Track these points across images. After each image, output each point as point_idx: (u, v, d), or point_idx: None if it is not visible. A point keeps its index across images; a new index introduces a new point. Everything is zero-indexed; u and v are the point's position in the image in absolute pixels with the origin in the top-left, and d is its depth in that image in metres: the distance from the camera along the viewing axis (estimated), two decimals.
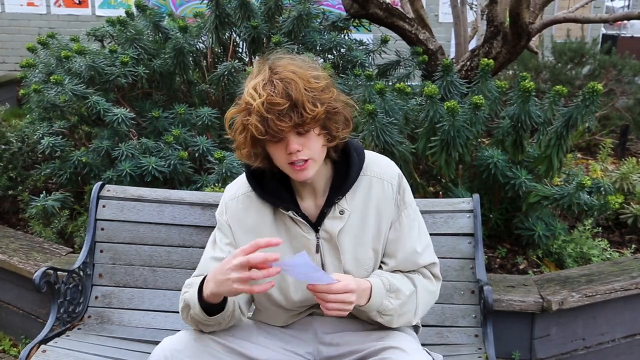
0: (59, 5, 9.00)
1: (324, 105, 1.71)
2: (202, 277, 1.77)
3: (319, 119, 1.71)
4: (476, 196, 2.51)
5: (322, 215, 1.87)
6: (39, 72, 3.75)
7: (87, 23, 7.97)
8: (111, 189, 2.69)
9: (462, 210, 2.52)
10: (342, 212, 1.87)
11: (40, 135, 3.60)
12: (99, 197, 2.65)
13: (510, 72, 5.97)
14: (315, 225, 1.87)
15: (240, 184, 1.98)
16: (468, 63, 4.36)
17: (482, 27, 5.75)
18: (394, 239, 1.92)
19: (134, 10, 4.18)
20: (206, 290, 1.72)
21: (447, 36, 8.35)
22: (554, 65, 5.82)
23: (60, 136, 3.60)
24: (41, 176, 3.70)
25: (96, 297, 2.58)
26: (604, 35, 8.89)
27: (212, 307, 1.76)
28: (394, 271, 1.93)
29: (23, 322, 3.20)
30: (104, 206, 2.64)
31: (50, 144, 3.48)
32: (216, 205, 2.55)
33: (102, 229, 2.63)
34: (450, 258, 2.47)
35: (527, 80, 2.98)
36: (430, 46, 4.48)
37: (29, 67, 3.74)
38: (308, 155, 1.74)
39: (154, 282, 2.59)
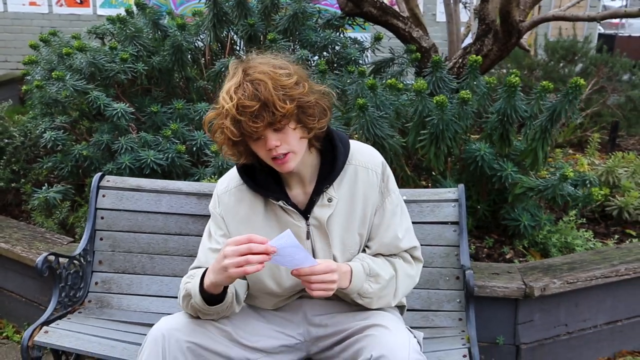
0: (61, 5, 9.09)
1: (294, 102, 1.80)
2: (204, 269, 1.88)
3: (291, 115, 1.80)
4: (461, 186, 2.61)
5: (311, 203, 1.98)
6: (41, 68, 3.85)
7: (89, 22, 8.05)
8: (111, 180, 2.79)
9: (447, 199, 2.62)
10: (330, 200, 1.98)
11: (43, 129, 3.70)
12: (99, 187, 2.76)
13: (505, 70, 6.06)
14: (305, 213, 1.98)
15: (231, 178, 2.08)
16: (460, 60, 4.44)
17: (476, 25, 5.86)
18: (377, 224, 2.03)
19: (134, 9, 4.29)
20: (206, 281, 1.83)
21: (444, 35, 8.35)
22: (547, 63, 5.91)
23: (62, 131, 3.70)
24: (43, 169, 3.80)
25: (96, 283, 2.69)
26: (601, 34, 8.97)
27: (212, 297, 1.86)
28: (376, 254, 2.04)
29: (26, 310, 3.30)
30: (103, 196, 2.75)
31: (52, 138, 3.58)
32: (211, 195, 2.68)
33: (102, 218, 2.74)
34: (436, 245, 2.58)
35: (513, 76, 3.08)
36: (424, 44, 4.56)
37: (31, 64, 3.84)
38: (287, 149, 1.84)
39: (151, 268, 2.69)
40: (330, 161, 1.99)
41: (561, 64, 5.93)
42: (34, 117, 3.96)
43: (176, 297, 2.62)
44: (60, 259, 2.55)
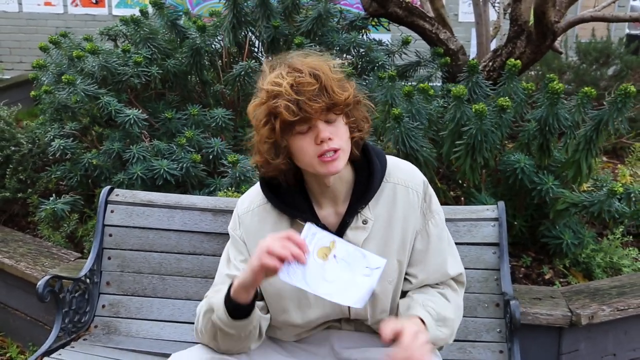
0: (76, 5, 8.95)
1: (350, 92, 1.64)
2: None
3: (348, 104, 1.64)
4: (501, 204, 2.38)
5: (344, 224, 1.76)
6: (50, 72, 3.66)
7: (104, 23, 7.85)
8: (120, 194, 2.59)
9: (486, 218, 2.39)
10: (365, 222, 1.76)
11: (51, 137, 3.52)
12: (107, 202, 2.56)
13: (533, 73, 5.80)
14: (337, 235, 1.75)
15: (254, 196, 1.87)
16: (490, 63, 4.22)
17: (504, 26, 5.62)
18: (421, 249, 1.81)
19: (149, 9, 4.09)
20: (235, 283, 1.63)
21: (466, 36, 8.17)
22: (579, 66, 5.64)
23: (71, 138, 3.52)
24: (52, 179, 3.61)
25: (103, 306, 2.49)
26: (628, 35, 8.65)
27: (237, 310, 1.65)
28: (422, 285, 1.83)
29: (30, 329, 3.12)
30: (112, 211, 2.55)
31: (61, 146, 3.39)
32: (229, 212, 2.47)
33: (110, 235, 2.54)
34: (474, 269, 2.35)
35: (555, 82, 2.84)
36: (452, 46, 4.35)
37: (40, 68, 3.65)
38: (338, 145, 1.64)
39: (163, 290, 2.49)
40: (366, 178, 1.78)
41: (593, 67, 5.66)
42: (43, 123, 3.78)
43: (190, 323, 2.44)
44: (64, 281, 2.34)
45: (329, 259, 1.55)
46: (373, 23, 4.44)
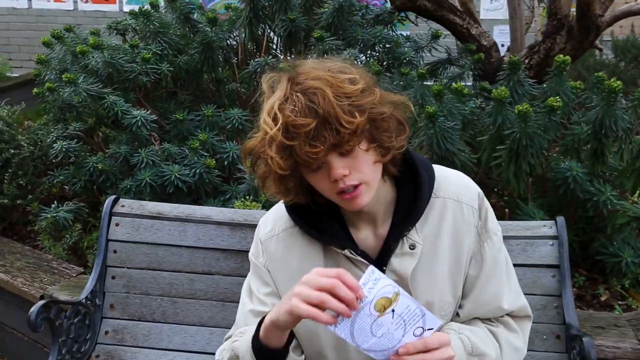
0: (86, 1, 8.77)
1: (365, 113, 1.29)
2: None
3: (362, 132, 1.29)
4: (561, 219, 2.08)
5: (387, 250, 1.45)
6: (53, 68, 3.38)
7: (115, 19, 7.68)
8: (126, 204, 2.30)
9: (543, 235, 2.08)
10: (412, 247, 1.45)
11: (54, 138, 3.24)
12: (111, 214, 2.27)
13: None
14: (379, 263, 1.44)
15: (278, 218, 1.56)
16: (527, 61, 3.92)
17: (539, 22, 5.30)
18: (474, 276, 1.50)
19: (161, 2, 3.80)
20: (266, 320, 1.33)
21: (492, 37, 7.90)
22: (616, 64, 5.31)
23: (75, 140, 3.24)
24: (54, 184, 3.33)
25: (106, 333, 2.20)
26: None
27: (268, 356, 1.36)
28: (471, 320, 1.52)
29: (29, 351, 2.85)
30: (117, 224, 2.26)
31: (64, 149, 3.11)
32: (248, 226, 2.19)
33: (115, 252, 2.25)
34: (530, 294, 2.03)
35: (613, 80, 2.53)
36: (484, 42, 4.05)
37: (42, 64, 3.38)
38: (358, 179, 1.33)
39: (174, 315, 2.20)
40: (412, 194, 1.46)
41: (632, 65, 5.32)
42: (46, 123, 3.50)
43: (204, 353, 2.16)
44: (62, 304, 2.06)
45: (386, 314, 1.25)
46: (399, 19, 4.13)
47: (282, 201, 1.55)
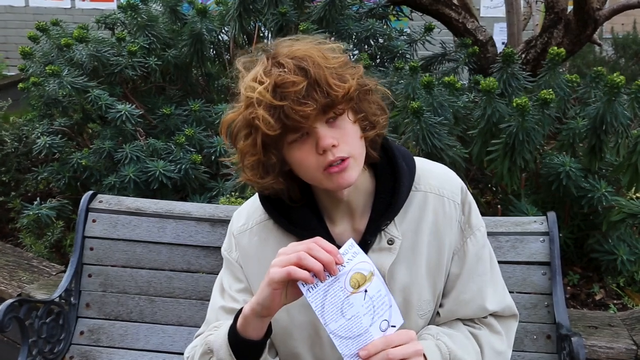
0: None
1: (353, 80, 1.24)
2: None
3: (351, 98, 1.25)
4: (552, 215, 2.00)
5: (364, 245, 1.36)
6: (37, 61, 3.31)
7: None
8: (104, 200, 2.23)
9: (534, 232, 2.00)
10: (391, 242, 1.37)
11: (39, 134, 3.17)
12: (88, 210, 2.20)
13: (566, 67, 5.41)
14: None
15: (252, 211, 1.48)
16: (523, 55, 3.85)
17: (537, 16, 5.23)
18: (455, 273, 1.42)
19: None
20: (246, 308, 1.27)
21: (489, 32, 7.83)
22: (616, 60, 5.23)
23: (60, 135, 3.17)
24: (37, 180, 3.26)
25: (81, 333, 2.12)
26: None
27: (247, 347, 1.29)
28: (451, 321, 1.44)
29: (9, 352, 2.76)
30: (94, 221, 2.19)
31: (47, 144, 3.04)
32: (229, 222, 2.11)
33: (91, 249, 2.17)
34: (520, 293, 1.96)
35: (616, 74, 2.45)
36: (480, 37, 3.99)
37: (27, 57, 3.31)
38: (347, 152, 1.26)
39: (151, 314, 2.13)
40: (390, 186, 1.39)
41: (632, 62, 5.24)
42: (31, 119, 3.43)
43: (182, 354, 2.09)
44: (33, 303, 1.99)
45: (359, 292, 1.20)
46: (393, 17, 4.05)
47: (255, 195, 1.48)
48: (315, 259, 1.17)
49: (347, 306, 1.20)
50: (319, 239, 1.20)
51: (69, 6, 8.82)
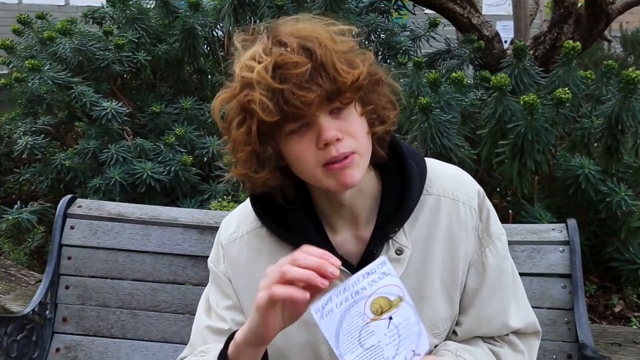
0: None
1: (364, 66, 1.09)
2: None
3: (360, 86, 1.09)
4: (572, 222, 1.84)
5: (369, 255, 1.21)
6: (19, 55, 3.15)
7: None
8: (83, 205, 2.06)
9: (552, 241, 1.84)
10: (399, 252, 1.21)
11: (21, 133, 3.00)
12: (65, 215, 2.03)
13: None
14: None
15: (243, 217, 1.31)
16: (531, 52, 3.68)
17: (544, 12, 5.07)
18: (473, 288, 1.26)
19: None
20: (238, 334, 1.11)
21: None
22: (625, 58, 5.08)
23: (44, 135, 3.00)
24: (20, 183, 3.09)
25: (57, 350, 1.96)
26: None
27: None
28: (470, 338, 1.29)
29: None
30: (72, 227, 2.02)
31: (29, 145, 2.87)
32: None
33: (69, 258, 2.00)
34: (538, 307, 1.79)
35: (631, 70, 2.29)
36: (486, 32, 3.84)
37: (8, 51, 3.14)
38: (352, 148, 1.11)
39: (134, 330, 1.96)
40: (399, 189, 1.23)
41: None
42: (14, 117, 3.26)
43: None
44: (4, 318, 1.82)
45: (382, 319, 1.03)
46: (397, 6, 3.90)
47: (247, 201, 1.31)
48: (302, 268, 1.00)
49: (366, 334, 1.03)
50: (305, 246, 1.04)
51: (63, 3, 8.73)
